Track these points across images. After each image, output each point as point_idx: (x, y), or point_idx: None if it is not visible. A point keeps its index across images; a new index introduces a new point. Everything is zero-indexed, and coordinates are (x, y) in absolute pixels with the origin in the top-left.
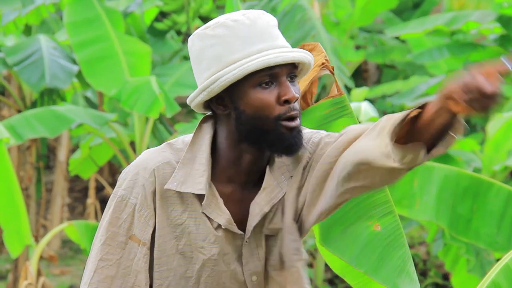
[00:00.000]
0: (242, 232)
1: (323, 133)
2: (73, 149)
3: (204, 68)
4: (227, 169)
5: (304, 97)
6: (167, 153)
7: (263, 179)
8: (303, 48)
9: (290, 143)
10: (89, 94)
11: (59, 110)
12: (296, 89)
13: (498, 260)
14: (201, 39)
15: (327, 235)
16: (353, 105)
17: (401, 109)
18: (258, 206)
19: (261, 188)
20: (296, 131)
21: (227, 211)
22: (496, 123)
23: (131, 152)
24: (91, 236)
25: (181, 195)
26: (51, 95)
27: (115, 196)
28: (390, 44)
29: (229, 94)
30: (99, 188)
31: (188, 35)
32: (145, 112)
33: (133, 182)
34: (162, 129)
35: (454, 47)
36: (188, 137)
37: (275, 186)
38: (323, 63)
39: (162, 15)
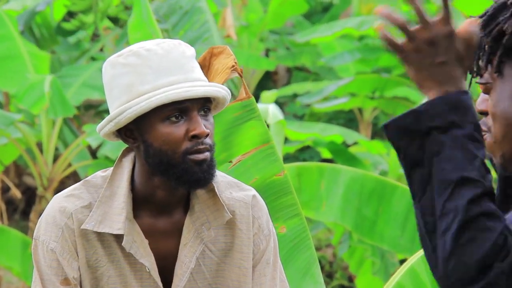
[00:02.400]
0: None
1: (273, 237)
2: None
3: (115, 97)
4: (145, 204)
5: None
6: (84, 194)
7: (185, 211)
8: (212, 52)
9: (198, 177)
10: None
11: None
12: (208, 123)
13: (401, 261)
14: (113, 67)
15: None
16: (260, 107)
17: (311, 110)
18: (184, 264)
19: (181, 244)
20: (206, 165)
21: (151, 254)
22: None
23: (37, 152)
24: None
25: (101, 237)
26: None
27: (36, 241)
28: (301, 46)
29: (137, 126)
30: (5, 190)
31: (96, 35)
32: (29, 107)
33: (51, 226)
34: (67, 131)
35: (364, 50)
36: (108, 171)
37: (195, 238)
38: (233, 66)
39: (70, 15)
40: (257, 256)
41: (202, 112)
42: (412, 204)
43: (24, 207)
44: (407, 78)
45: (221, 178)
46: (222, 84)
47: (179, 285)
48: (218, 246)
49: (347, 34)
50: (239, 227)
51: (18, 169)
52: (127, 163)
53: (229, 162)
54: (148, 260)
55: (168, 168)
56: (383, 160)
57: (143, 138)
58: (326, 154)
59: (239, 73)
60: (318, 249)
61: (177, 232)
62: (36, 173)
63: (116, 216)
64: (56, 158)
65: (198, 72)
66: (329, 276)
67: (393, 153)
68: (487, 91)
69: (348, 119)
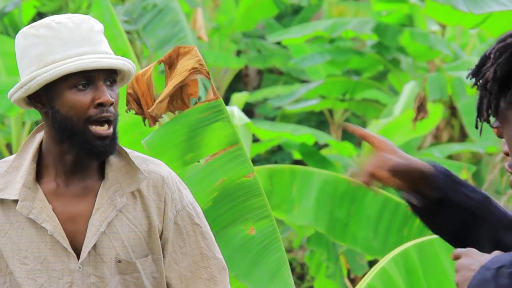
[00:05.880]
0: (73, 253)
1: (190, 201)
2: None
3: (26, 66)
4: (53, 169)
5: (181, 99)
6: None
7: (98, 182)
8: (179, 51)
9: (99, 150)
10: None
11: None
12: (113, 93)
13: (370, 262)
14: (25, 38)
15: None
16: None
17: (283, 112)
18: (94, 227)
19: (94, 209)
20: (108, 139)
21: (55, 217)
22: (373, 129)
23: (7, 154)
24: None
25: (2, 206)
26: None
27: None
28: (272, 49)
29: (46, 93)
30: None
31: None
32: (5, 111)
33: None
34: None
35: (334, 52)
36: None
37: (109, 205)
38: (194, 67)
39: (40, 16)
40: (169, 227)
41: (108, 83)
42: (384, 206)
43: None
44: (376, 81)
45: (137, 154)
46: (182, 83)
47: (88, 246)
48: (135, 215)
49: (318, 36)
50: (153, 198)
51: None
52: (39, 136)
53: (197, 162)
54: (51, 224)
55: (72, 134)
56: (353, 162)
57: (51, 104)
58: (298, 156)
59: (205, 75)
60: (289, 251)
61: (92, 197)
62: None
63: (17, 184)
64: None
65: (106, 46)
66: (300, 278)
67: (364, 154)
68: (500, 134)
69: (319, 121)
